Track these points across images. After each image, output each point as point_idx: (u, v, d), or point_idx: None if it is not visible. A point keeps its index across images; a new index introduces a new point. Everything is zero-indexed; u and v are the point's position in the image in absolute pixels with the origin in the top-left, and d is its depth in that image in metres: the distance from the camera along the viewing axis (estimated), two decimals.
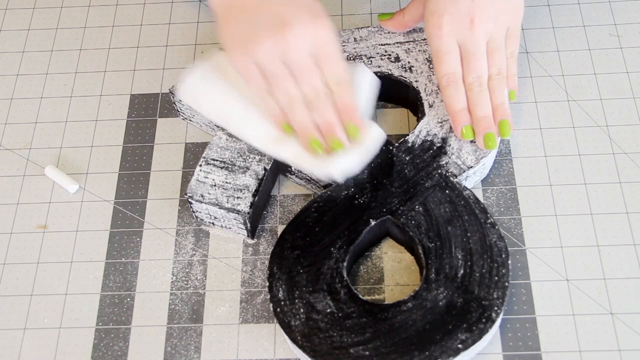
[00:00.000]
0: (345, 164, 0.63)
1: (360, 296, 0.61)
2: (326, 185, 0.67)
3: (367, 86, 0.68)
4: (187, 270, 0.66)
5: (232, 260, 0.67)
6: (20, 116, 0.76)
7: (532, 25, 0.78)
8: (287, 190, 0.70)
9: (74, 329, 0.64)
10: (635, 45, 0.76)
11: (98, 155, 0.73)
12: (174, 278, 0.66)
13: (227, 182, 0.65)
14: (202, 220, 0.68)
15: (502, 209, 0.67)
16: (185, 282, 0.66)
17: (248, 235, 0.67)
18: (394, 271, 0.65)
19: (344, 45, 0.72)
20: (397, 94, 0.73)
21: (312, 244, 0.63)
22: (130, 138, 0.74)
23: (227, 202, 0.64)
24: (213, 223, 0.67)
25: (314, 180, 0.67)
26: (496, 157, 0.70)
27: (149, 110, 0.75)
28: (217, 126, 0.68)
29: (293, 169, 0.68)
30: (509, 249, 0.65)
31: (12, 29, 0.82)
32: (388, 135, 0.71)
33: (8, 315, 0.65)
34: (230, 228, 0.67)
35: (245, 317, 0.64)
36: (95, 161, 0.72)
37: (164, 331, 0.64)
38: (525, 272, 0.64)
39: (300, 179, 0.69)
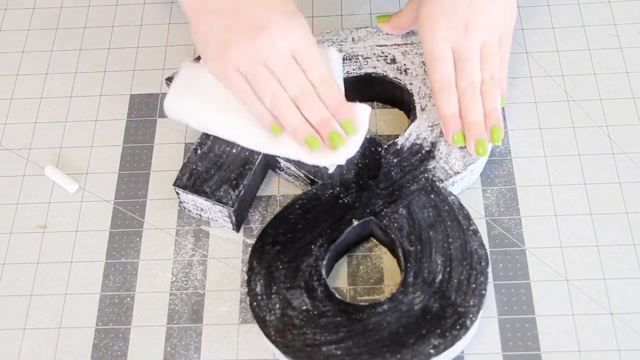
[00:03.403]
0: (347, 150, 0.64)
1: (337, 295, 0.61)
2: (312, 183, 0.67)
3: (338, 67, 0.69)
4: (186, 270, 0.66)
5: (232, 260, 0.67)
6: (20, 116, 0.76)
7: (532, 25, 0.78)
8: (287, 190, 0.70)
9: (73, 329, 0.64)
10: (634, 45, 0.76)
11: (98, 155, 0.73)
12: (174, 278, 0.66)
13: (214, 175, 0.66)
14: (189, 211, 0.68)
15: (502, 209, 0.67)
16: (185, 282, 0.66)
17: (233, 229, 0.67)
18: (393, 271, 0.65)
19: (342, 45, 0.72)
20: (391, 95, 0.73)
21: (293, 240, 0.63)
22: (130, 138, 0.74)
23: (214, 195, 0.65)
24: (200, 215, 0.68)
25: (301, 177, 0.67)
26: (496, 157, 0.70)
27: (149, 110, 0.75)
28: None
29: (282, 165, 0.68)
30: (509, 249, 0.65)
31: (12, 29, 0.82)
32: (381, 136, 0.72)
33: (8, 315, 0.65)
34: (216, 220, 0.67)
35: (245, 317, 0.64)
36: (95, 161, 0.72)
37: (164, 331, 0.64)
38: (525, 272, 0.64)
39: (289, 175, 0.69)
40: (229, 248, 0.67)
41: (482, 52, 0.66)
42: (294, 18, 0.62)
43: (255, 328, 0.62)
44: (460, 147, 0.66)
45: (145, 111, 0.75)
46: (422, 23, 0.66)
